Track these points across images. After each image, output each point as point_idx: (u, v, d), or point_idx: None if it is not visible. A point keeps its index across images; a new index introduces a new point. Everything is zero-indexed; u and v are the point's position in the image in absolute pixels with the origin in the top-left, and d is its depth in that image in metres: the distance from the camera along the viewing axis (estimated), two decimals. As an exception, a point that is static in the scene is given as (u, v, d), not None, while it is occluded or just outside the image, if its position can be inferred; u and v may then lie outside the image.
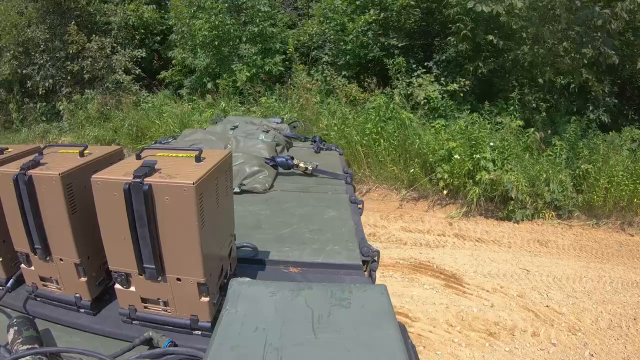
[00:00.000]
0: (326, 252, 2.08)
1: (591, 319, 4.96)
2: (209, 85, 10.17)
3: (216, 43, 9.94)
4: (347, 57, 9.06)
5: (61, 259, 1.52)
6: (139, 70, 12.11)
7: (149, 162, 1.39)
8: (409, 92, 8.32)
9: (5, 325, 1.37)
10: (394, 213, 6.69)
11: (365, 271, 1.99)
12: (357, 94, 8.29)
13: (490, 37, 8.56)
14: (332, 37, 9.65)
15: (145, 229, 1.31)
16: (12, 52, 12.37)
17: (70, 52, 12.01)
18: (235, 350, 1.01)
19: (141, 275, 1.40)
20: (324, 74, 9.24)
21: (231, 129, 3.98)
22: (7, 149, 1.70)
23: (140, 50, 12.21)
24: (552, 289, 5.30)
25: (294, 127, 4.89)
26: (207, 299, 1.43)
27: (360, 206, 2.89)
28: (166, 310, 1.46)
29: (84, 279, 1.52)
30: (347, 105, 8.18)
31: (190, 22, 10.35)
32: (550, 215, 7.03)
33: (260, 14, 9.59)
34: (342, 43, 9.26)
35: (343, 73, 9.07)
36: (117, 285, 1.45)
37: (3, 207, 1.51)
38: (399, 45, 9.02)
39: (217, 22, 9.65)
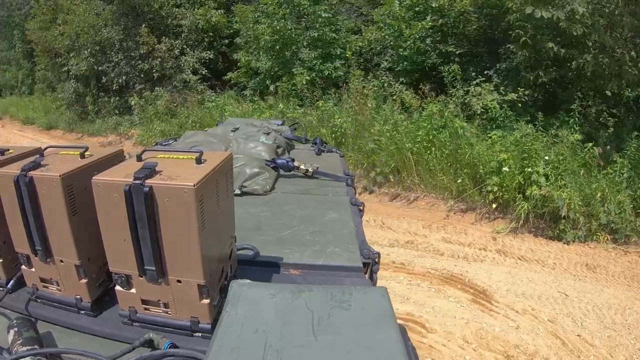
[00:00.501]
0: (327, 254, 2.08)
1: (625, 356, 4.48)
2: (271, 88, 10.37)
3: (277, 47, 10.20)
4: (405, 63, 8.97)
5: (62, 261, 1.52)
6: (206, 70, 12.69)
7: (149, 164, 1.39)
8: (466, 101, 8.06)
9: (6, 327, 1.38)
10: (437, 223, 6.48)
11: (366, 273, 2.00)
12: (412, 101, 8.16)
13: (551, 45, 8.06)
14: (390, 43, 9.56)
15: (145, 230, 1.32)
16: (89, 50, 13.36)
17: (142, 52, 12.77)
18: (236, 352, 1.02)
19: (142, 277, 1.40)
20: (382, 80, 9.20)
21: (232, 130, 3.96)
22: (8, 150, 1.71)
23: (208, 52, 12.83)
24: (588, 318, 4.84)
25: (295, 128, 4.90)
26: (207, 300, 1.43)
27: (361, 208, 2.87)
28: (166, 312, 1.46)
29: (84, 281, 1.52)
30: (401, 112, 8.05)
31: (254, 27, 10.75)
32: (605, 238, 6.38)
33: (320, 19, 9.74)
34: (400, 49, 9.13)
35: (401, 80, 8.97)
36: (117, 287, 1.45)
37: (4, 209, 1.51)
38: (457, 52, 8.88)
39: (278, 27, 9.90)
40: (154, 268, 1.36)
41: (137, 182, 1.28)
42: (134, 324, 1.48)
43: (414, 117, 7.84)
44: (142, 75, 13.28)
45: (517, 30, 8.15)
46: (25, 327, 1.36)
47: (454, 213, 6.52)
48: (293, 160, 3.42)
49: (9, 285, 1.65)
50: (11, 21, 26.98)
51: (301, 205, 2.81)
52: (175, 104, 12.31)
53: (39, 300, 1.63)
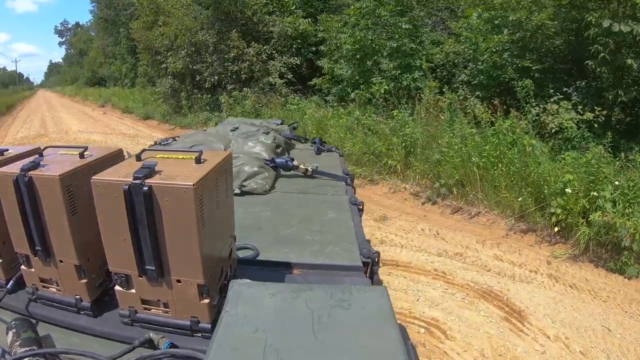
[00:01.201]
0: (326, 254, 2.06)
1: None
2: (352, 95, 10.44)
3: (358, 56, 10.35)
4: (481, 77, 8.80)
5: (61, 261, 1.50)
6: (291, 75, 13.13)
7: (149, 164, 1.37)
8: (541, 119, 7.75)
9: (4, 328, 1.38)
10: (493, 240, 6.16)
11: (365, 273, 1.97)
12: (484, 115, 7.87)
13: (630, 62, 7.46)
14: (468, 56, 9.44)
15: (145, 230, 1.30)
16: (186, 50, 14.26)
17: (232, 55, 13.54)
18: (236, 352, 1.01)
19: (141, 276, 1.38)
20: (458, 94, 9.03)
21: (231, 130, 3.92)
22: (7, 150, 1.71)
23: (295, 58, 13.27)
24: (626, 357, 4.28)
25: (294, 128, 4.85)
26: (207, 300, 1.41)
27: (360, 207, 2.83)
28: (166, 312, 1.44)
29: (84, 281, 1.50)
30: (472, 126, 7.86)
31: (337, 36, 10.94)
32: (674, 279, 6.07)
33: (400, 30, 9.74)
34: (477, 63, 9.01)
35: (477, 93, 8.82)
36: (117, 287, 1.44)
37: (3, 209, 1.50)
38: (534, 67, 8.56)
39: (359, 37, 10.06)
40: (154, 268, 1.35)
41: (137, 181, 1.26)
42: (134, 323, 1.47)
43: (483, 132, 7.58)
44: (233, 76, 13.89)
45: (595, 46, 7.70)
46: (23, 327, 1.36)
47: (514, 233, 6.24)
48: (292, 159, 3.40)
49: (8, 286, 1.63)
50: (118, 20, 28.85)
51: (301, 205, 2.81)
52: (260, 104, 12.76)
53: (38, 301, 1.61)
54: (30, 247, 1.49)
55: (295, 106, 11.44)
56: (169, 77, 15.80)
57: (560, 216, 5.97)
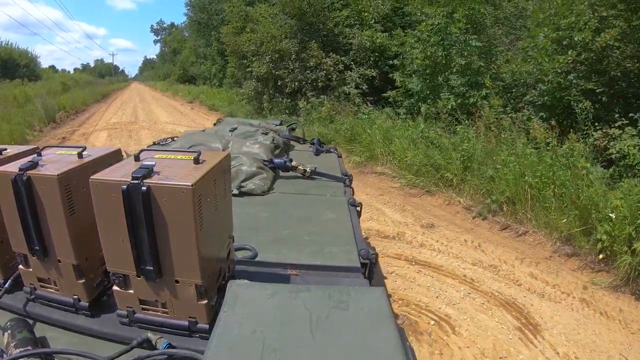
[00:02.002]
0: (324, 255, 2.06)
1: None
2: (422, 109, 10.52)
3: (428, 71, 10.51)
4: (545, 98, 8.62)
5: (59, 260, 1.49)
6: (366, 86, 13.50)
7: (147, 164, 1.37)
8: (602, 144, 7.40)
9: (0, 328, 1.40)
10: (533, 259, 5.97)
11: (364, 274, 1.95)
12: (543, 136, 7.71)
13: None
14: (533, 76, 9.23)
15: (143, 230, 1.29)
16: (269, 56, 14.79)
17: (310, 63, 14.16)
18: (234, 352, 1.02)
19: (139, 277, 1.37)
20: (522, 113, 8.83)
21: (230, 130, 3.90)
22: (6, 149, 1.71)
23: (371, 70, 13.60)
24: None
25: (293, 129, 4.83)
26: (205, 301, 1.40)
27: (358, 209, 2.84)
28: (164, 312, 1.43)
29: (82, 281, 1.50)
30: (532, 146, 7.69)
31: (409, 51, 11.14)
32: None
33: (469, 48, 9.79)
34: (541, 83, 8.81)
35: (540, 114, 8.67)
36: (115, 287, 1.43)
37: (1, 208, 1.50)
38: (598, 90, 8.27)
39: (429, 53, 10.20)
40: (152, 268, 1.34)
41: (135, 181, 1.26)
42: (132, 324, 1.46)
43: (540, 152, 7.40)
44: (312, 84, 14.44)
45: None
46: (18, 328, 1.36)
47: (558, 255, 6.02)
48: (291, 160, 3.38)
49: (6, 285, 1.62)
50: (210, 24, 30.35)
51: (299, 206, 2.80)
52: (335, 112, 13.10)
53: (36, 301, 1.60)
54: (28, 246, 1.48)
55: (366, 116, 11.62)
56: (254, 80, 16.45)
57: (605, 243, 5.67)
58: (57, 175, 1.38)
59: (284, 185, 3.17)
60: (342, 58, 14.04)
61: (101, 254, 1.42)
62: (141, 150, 1.53)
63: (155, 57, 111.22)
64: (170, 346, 1.34)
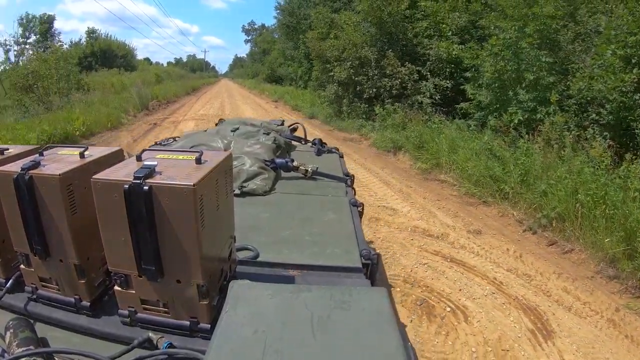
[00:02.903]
0: (326, 255, 2.03)
1: None
2: (491, 122, 10.44)
3: (496, 85, 10.46)
4: (610, 117, 8.34)
5: (61, 260, 1.47)
6: (439, 96, 13.66)
7: (149, 164, 1.35)
8: None
9: (3, 328, 1.38)
10: (571, 275, 5.76)
11: (365, 274, 1.93)
12: (600, 155, 7.49)
13: None
14: (601, 94, 8.84)
15: (145, 230, 1.29)
16: (350, 62, 15.24)
17: (387, 71, 14.51)
18: (235, 353, 1.02)
19: (141, 276, 1.36)
20: (587, 132, 8.55)
21: (232, 130, 3.82)
22: (8, 149, 1.69)
23: (447, 81, 13.75)
24: None
25: (294, 129, 4.75)
26: (206, 301, 1.38)
27: (360, 209, 2.77)
28: (166, 312, 1.42)
29: (83, 280, 1.48)
30: (590, 165, 7.37)
31: (481, 64, 11.20)
32: None
33: (538, 63, 9.62)
34: (607, 102, 8.49)
35: (605, 134, 8.34)
36: (116, 287, 1.42)
37: (3, 208, 1.48)
38: None
39: (498, 67, 10.16)
40: (153, 268, 1.33)
41: (137, 181, 1.25)
42: (133, 324, 1.45)
43: (596, 171, 7.12)
44: (389, 91, 14.73)
45: None
46: (21, 327, 1.35)
47: (600, 277, 5.78)
48: (292, 160, 3.31)
49: (7, 285, 1.59)
50: (298, 27, 31.17)
51: (301, 206, 2.73)
52: (408, 119, 13.19)
53: (38, 300, 1.58)
54: (29, 246, 1.47)
55: (436, 125, 11.69)
56: (335, 84, 16.89)
57: (646, 268, 5.48)
58: (59, 174, 1.37)
59: (286, 185, 3.15)
60: (418, 68, 14.23)
61: (103, 254, 1.41)
62: (143, 150, 1.53)
63: (245, 56, 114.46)
64: (171, 346, 1.34)
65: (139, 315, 1.44)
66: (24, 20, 41.73)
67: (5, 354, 1.29)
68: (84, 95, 21.86)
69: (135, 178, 1.26)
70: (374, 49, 15.38)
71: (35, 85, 18.81)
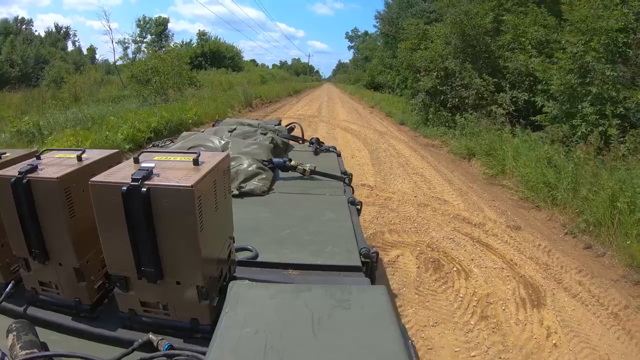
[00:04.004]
0: (325, 254, 1.98)
1: None
2: (557, 134, 10.54)
3: (564, 98, 10.44)
4: None
5: (60, 264, 1.45)
6: (513, 107, 13.84)
7: (146, 166, 1.34)
8: None
9: (4, 331, 1.35)
10: (594, 275, 5.67)
11: (365, 272, 1.87)
12: None
13: None
14: None
15: (143, 232, 1.26)
16: (436, 73, 15.61)
17: (465, 82, 14.94)
18: (236, 353, 1.00)
19: (140, 278, 1.34)
20: None
21: (229, 131, 3.72)
22: (5, 153, 1.69)
23: (525, 93, 13.90)
24: None
25: (292, 129, 4.68)
26: (206, 302, 1.36)
27: (358, 207, 2.69)
28: (166, 314, 1.41)
29: (83, 283, 1.46)
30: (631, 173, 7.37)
31: (550, 77, 11.18)
32: None
33: (602, 77, 9.61)
34: None
35: None
36: (116, 289, 1.39)
37: (1, 212, 1.44)
38: None
39: (564, 80, 10.20)
40: (153, 270, 1.31)
41: (135, 183, 1.23)
42: (134, 326, 1.44)
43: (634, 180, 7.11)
44: (466, 101, 15.24)
45: None
46: (23, 330, 1.34)
47: (625, 281, 5.65)
48: (290, 160, 3.23)
49: (7, 289, 1.57)
50: (397, 37, 31.36)
51: (299, 205, 2.66)
52: (484, 128, 13.41)
53: (38, 304, 1.56)
54: (28, 250, 1.45)
55: (506, 134, 11.84)
56: (423, 93, 17.37)
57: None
58: (57, 178, 1.35)
59: (284, 185, 3.08)
60: (494, 80, 14.43)
61: (102, 257, 1.38)
62: (141, 152, 1.50)
63: (348, 61, 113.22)
64: (171, 348, 1.30)
65: (139, 317, 1.42)
66: (142, 22, 46.33)
67: (6, 357, 1.27)
68: (196, 91, 24.19)
69: (133, 180, 1.24)
70: (457, 60, 15.75)
71: (154, 79, 21.22)
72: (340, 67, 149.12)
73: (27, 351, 1.24)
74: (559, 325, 4.51)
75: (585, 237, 6.76)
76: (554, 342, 4.29)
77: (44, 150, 1.62)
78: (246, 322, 1.10)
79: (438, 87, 16.09)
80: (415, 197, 8.69)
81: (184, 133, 4.04)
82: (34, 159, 1.52)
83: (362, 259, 1.95)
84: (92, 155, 1.61)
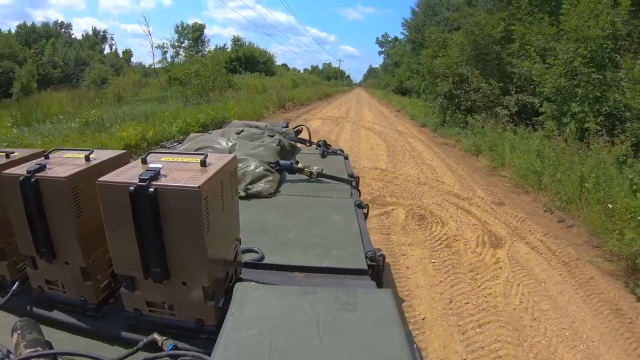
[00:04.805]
0: (331, 257, 1.96)
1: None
2: (548, 130, 11.34)
3: (555, 99, 11.29)
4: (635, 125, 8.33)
5: (67, 263, 1.43)
6: (516, 109, 14.67)
7: (154, 166, 1.31)
8: None
9: (10, 329, 1.33)
10: (557, 237, 6.56)
11: (371, 276, 1.83)
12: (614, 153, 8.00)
13: None
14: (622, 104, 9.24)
15: (150, 232, 1.24)
16: (452, 78, 16.47)
17: (473, 87, 15.80)
18: (241, 354, 1.01)
19: (147, 278, 1.31)
20: (621, 139, 8.86)
21: (236, 133, 3.65)
22: (13, 152, 1.66)
23: (531, 97, 14.43)
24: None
25: (299, 131, 4.61)
26: (212, 303, 1.34)
27: (365, 211, 2.62)
28: (171, 314, 1.38)
29: (89, 282, 1.44)
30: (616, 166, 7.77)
31: (545, 81, 11.84)
32: None
33: (587, 79, 10.26)
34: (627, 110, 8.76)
35: (633, 139, 8.47)
36: (122, 289, 1.37)
37: (9, 211, 1.41)
38: None
39: (555, 83, 11.04)
40: (159, 270, 1.29)
41: (142, 184, 1.21)
42: (139, 325, 1.41)
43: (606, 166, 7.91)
44: (475, 103, 16.12)
45: None
46: (28, 329, 1.31)
47: (586, 245, 6.31)
48: (297, 162, 3.16)
49: (14, 287, 1.55)
50: (423, 43, 31.39)
51: (306, 208, 2.62)
52: (490, 127, 14.35)
53: (44, 302, 1.54)
54: (36, 248, 1.43)
55: (506, 132, 12.93)
56: (441, 97, 18.43)
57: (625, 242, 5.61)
58: (65, 177, 1.34)
59: (291, 187, 3.01)
60: (500, 84, 15.35)
61: (108, 256, 1.36)
62: (148, 153, 1.48)
63: (378, 66, 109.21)
64: (176, 348, 1.29)
65: (145, 316, 1.40)
66: (180, 28, 48.83)
67: (11, 355, 1.25)
68: (235, 93, 25.58)
69: (141, 180, 1.21)
70: (470, 67, 16.59)
71: (197, 82, 22.93)
72: (371, 72, 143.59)
73: (31, 349, 1.21)
74: (508, 259, 5.49)
75: (559, 213, 7.50)
76: (499, 266, 5.37)
77: (53, 150, 1.59)
78: (251, 324, 1.09)
79: (453, 91, 16.91)
80: (418, 178, 9.69)
81: (192, 134, 4.03)
82: (43, 158, 1.49)
83: (369, 262, 1.91)
84: (100, 155, 1.57)
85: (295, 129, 4.71)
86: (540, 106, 12.27)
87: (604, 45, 10.38)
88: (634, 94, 8.32)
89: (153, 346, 1.31)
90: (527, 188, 9.30)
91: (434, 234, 6.36)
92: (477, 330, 4.14)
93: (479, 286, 4.90)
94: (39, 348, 1.23)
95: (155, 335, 1.33)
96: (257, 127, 4.04)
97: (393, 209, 7.28)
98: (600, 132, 9.34)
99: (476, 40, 15.55)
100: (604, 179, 7.35)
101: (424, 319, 4.26)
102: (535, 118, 13.10)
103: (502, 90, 15.16)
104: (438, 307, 4.43)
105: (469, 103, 16.37)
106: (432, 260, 5.49)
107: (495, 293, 4.78)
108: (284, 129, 4.29)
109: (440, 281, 5.01)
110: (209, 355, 1.08)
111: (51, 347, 1.29)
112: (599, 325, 4.36)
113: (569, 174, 8.06)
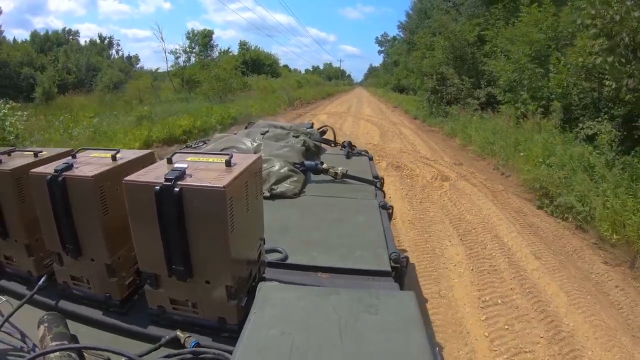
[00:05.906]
0: (355, 258, 1.91)
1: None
2: (502, 111, 13.49)
3: (509, 88, 13.03)
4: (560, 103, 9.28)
5: (92, 259, 1.41)
6: (485, 99, 16.41)
7: (179, 166, 1.28)
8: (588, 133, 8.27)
9: (36, 322, 1.30)
10: (494, 181, 8.84)
11: (394, 277, 1.75)
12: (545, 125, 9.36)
13: None
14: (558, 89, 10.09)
15: (175, 231, 1.21)
16: (435, 76, 18.28)
17: (449, 82, 17.33)
18: (262, 353, 0.99)
19: (171, 276, 1.29)
20: (552, 116, 10.39)
21: (261, 133, 3.63)
22: (41, 151, 1.63)
23: (496, 89, 16.03)
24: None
25: (323, 132, 4.44)
26: (235, 302, 1.30)
27: (390, 212, 2.51)
28: (194, 312, 1.35)
29: (114, 279, 1.42)
30: (541, 132, 9.26)
31: (502, 75, 13.43)
32: None
33: (531, 73, 11.52)
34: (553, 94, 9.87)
35: (560, 116, 9.59)
36: (146, 286, 1.34)
37: (37, 208, 1.38)
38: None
39: (508, 77, 12.80)
40: (183, 268, 1.26)
41: (168, 183, 1.19)
42: (162, 322, 1.38)
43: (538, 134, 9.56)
44: (451, 96, 18.08)
45: None
46: (55, 322, 1.30)
47: (516, 187, 8.62)
48: (322, 163, 3.06)
49: (40, 282, 1.52)
50: (414, 45, 32.29)
51: (330, 208, 2.54)
52: (465, 115, 16.06)
53: (69, 297, 1.52)
54: (62, 245, 1.41)
55: (474, 117, 15.06)
56: (428, 92, 20.54)
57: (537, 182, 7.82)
58: (92, 176, 1.32)
59: (315, 188, 2.93)
60: (471, 79, 17.11)
61: (133, 254, 1.34)
62: (174, 153, 1.44)
63: (378, 65, 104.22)
64: (198, 345, 1.27)
65: (168, 314, 1.38)
66: (190, 35, 52.07)
67: (37, 348, 1.25)
68: (249, 93, 27.38)
69: (166, 180, 1.19)
70: (449, 66, 18.47)
71: (218, 84, 25.66)
72: (372, 71, 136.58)
73: (57, 342, 1.20)
74: (449, 186, 7.84)
75: (502, 170, 9.30)
76: (442, 187, 7.72)
77: (80, 149, 1.54)
78: (273, 324, 1.07)
79: (437, 87, 18.70)
80: (400, 149, 11.45)
81: (217, 135, 3.87)
82: (70, 157, 1.45)
83: (392, 264, 1.84)
84: (126, 155, 1.52)
85: (320, 130, 4.56)
86: (503, 95, 14.08)
87: (547, 46, 12.10)
88: (556, 81, 10.27)
89: (176, 343, 1.29)
90: (484, 156, 11.01)
91: (404, 174, 8.57)
92: (419, 205, 6.82)
93: (425, 193, 7.36)
94: (65, 341, 1.21)
95: (178, 332, 1.30)
96: (282, 127, 3.96)
97: (378, 162, 9.13)
98: (539, 112, 11.10)
99: (453, 44, 17.63)
100: (529, 143, 9.36)
101: (390, 198, 5.82)
102: (498, 105, 14.80)
103: (475, 85, 16.84)
104: (398, 196, 7.14)
105: (449, 96, 18.09)
106: (400, 181, 8.16)
107: (434, 194, 7.26)
108: (308, 130, 4.18)
109: (402, 189, 7.69)
110: (231, 353, 1.09)
111: (77, 341, 1.27)
112: (502, 215, 6.56)
113: (508, 141, 10.01)
